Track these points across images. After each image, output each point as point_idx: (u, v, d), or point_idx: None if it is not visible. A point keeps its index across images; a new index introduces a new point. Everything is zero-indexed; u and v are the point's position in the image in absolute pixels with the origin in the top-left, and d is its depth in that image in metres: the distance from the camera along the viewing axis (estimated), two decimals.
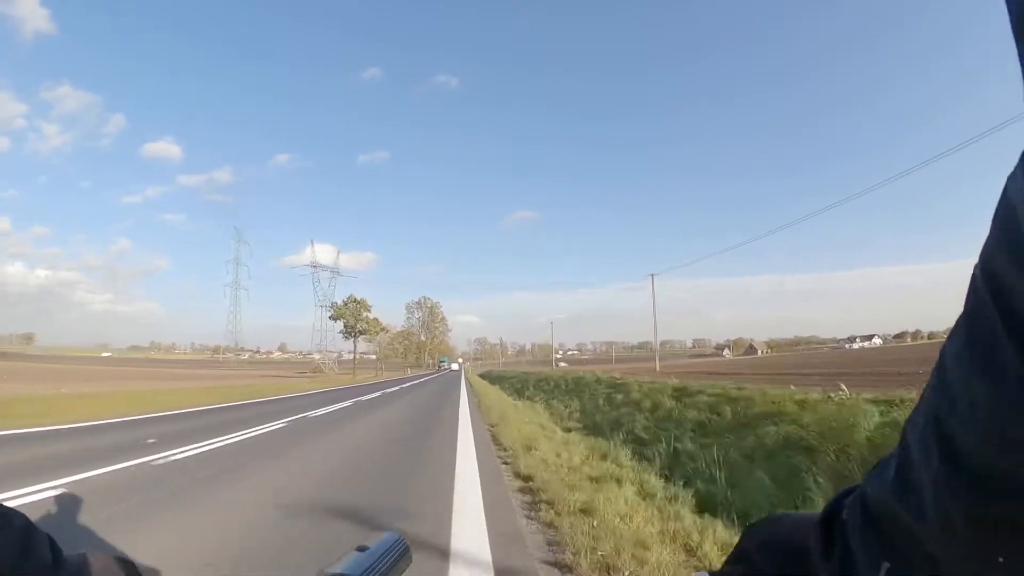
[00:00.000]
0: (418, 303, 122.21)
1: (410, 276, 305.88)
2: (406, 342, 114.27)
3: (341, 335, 63.59)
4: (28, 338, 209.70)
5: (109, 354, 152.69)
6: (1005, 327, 0.22)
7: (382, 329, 60.74)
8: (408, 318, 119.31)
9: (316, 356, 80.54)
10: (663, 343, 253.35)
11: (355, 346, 65.03)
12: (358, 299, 62.75)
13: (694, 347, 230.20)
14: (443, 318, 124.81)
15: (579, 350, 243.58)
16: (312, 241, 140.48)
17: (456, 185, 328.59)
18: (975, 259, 0.25)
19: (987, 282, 0.24)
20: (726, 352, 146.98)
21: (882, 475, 0.30)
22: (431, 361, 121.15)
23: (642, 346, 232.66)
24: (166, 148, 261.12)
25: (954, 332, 0.26)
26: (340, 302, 63.83)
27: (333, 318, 63.00)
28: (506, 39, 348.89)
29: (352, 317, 62.34)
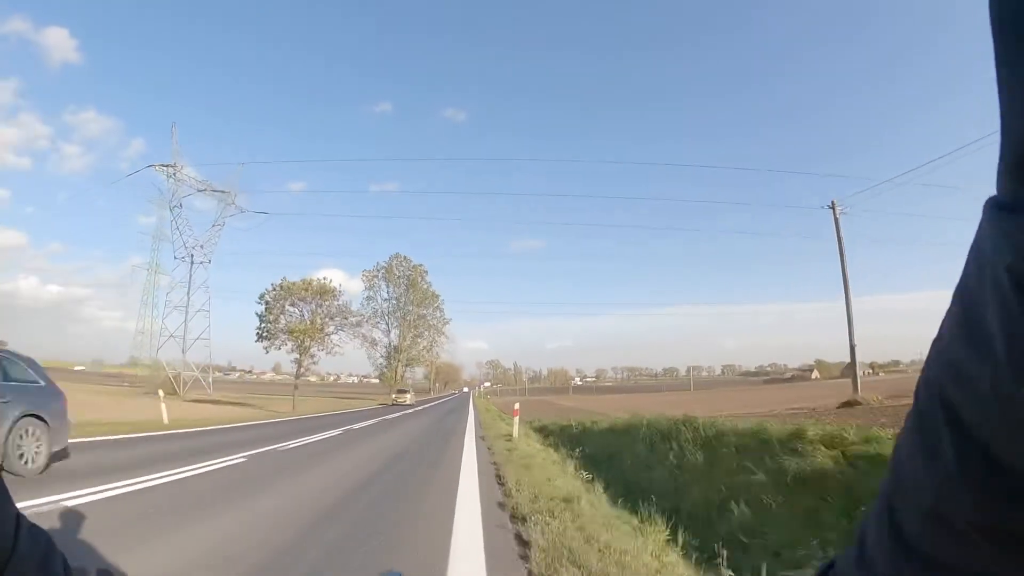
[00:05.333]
0: (386, 268, 56.28)
1: None
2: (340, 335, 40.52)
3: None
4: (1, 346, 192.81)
5: (83, 368, 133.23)
6: (942, 405, 0.23)
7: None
8: (368, 297, 55.23)
9: (180, 368, 37.83)
10: (690, 368, 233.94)
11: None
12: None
13: (723, 373, 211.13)
14: (434, 294, 58.47)
15: (598, 376, 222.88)
16: (173, 124, 57.19)
17: (464, 210, 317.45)
18: None
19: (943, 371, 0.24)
20: (815, 375, 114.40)
21: (849, 549, 0.31)
22: (429, 386, 56.47)
23: (667, 372, 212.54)
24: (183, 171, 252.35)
25: (906, 421, 0.27)
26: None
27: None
28: (513, 73, 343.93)
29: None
